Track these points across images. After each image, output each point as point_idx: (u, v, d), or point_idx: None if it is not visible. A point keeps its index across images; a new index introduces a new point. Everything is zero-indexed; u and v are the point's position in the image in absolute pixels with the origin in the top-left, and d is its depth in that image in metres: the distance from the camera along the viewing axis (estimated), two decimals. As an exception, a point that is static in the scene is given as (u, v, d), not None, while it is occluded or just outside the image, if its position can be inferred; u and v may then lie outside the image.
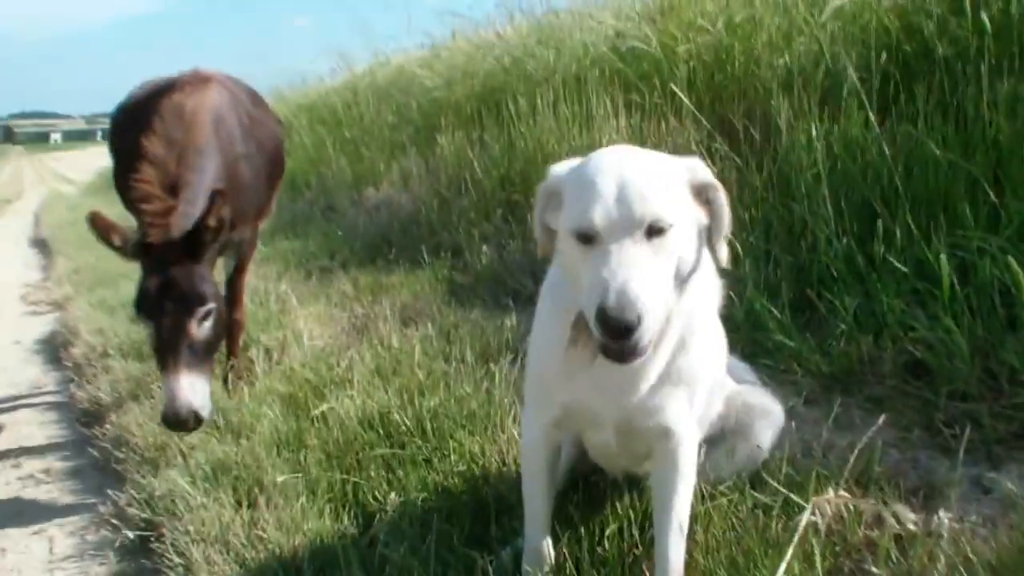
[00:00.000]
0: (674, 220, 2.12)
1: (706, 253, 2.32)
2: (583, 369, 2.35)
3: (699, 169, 2.29)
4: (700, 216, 2.25)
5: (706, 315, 2.49)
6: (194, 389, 3.92)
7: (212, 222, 4.06)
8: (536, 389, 2.71)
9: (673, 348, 2.39)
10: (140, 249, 4.05)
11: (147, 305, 4.01)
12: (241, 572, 3.18)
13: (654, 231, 2.09)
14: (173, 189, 4.21)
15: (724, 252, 2.33)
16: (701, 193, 2.26)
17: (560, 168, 2.35)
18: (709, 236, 2.31)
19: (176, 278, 4.00)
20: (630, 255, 2.06)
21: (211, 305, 4.08)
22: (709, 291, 2.48)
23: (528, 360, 2.74)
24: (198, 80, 4.94)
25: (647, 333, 2.02)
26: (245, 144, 4.96)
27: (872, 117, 4.28)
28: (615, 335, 2.00)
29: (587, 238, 2.10)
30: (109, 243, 4.07)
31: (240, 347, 5.46)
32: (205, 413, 3.96)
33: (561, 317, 2.42)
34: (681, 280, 2.22)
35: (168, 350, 3.96)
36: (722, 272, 2.44)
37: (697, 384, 2.49)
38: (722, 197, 2.27)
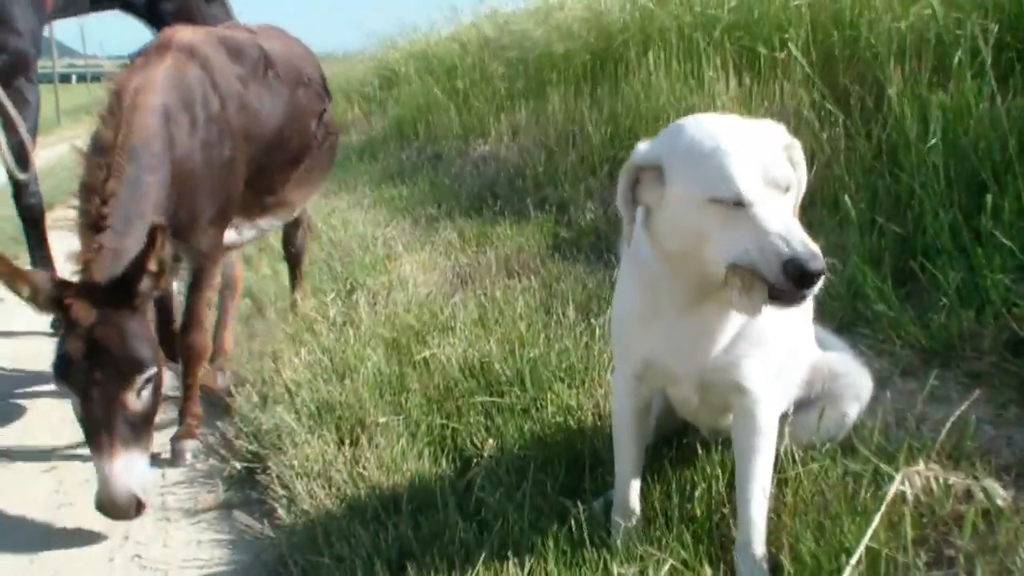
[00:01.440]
0: (794, 181, 2.23)
1: None
2: (660, 327, 2.46)
3: (783, 130, 2.35)
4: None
5: None
6: (132, 470, 3.39)
7: (153, 267, 3.40)
8: (619, 345, 2.80)
9: None
10: (57, 302, 3.41)
11: (71, 373, 3.37)
12: (342, 507, 3.28)
13: (786, 191, 2.19)
14: (100, 214, 3.54)
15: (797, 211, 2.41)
16: (787, 152, 2.32)
17: (648, 145, 2.39)
18: None
19: (107, 338, 3.36)
20: (786, 214, 2.15)
21: (152, 371, 3.46)
22: None
23: (611, 318, 2.82)
24: (154, 50, 4.10)
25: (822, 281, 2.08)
26: (209, 129, 4.05)
27: (994, 87, 4.21)
28: (808, 282, 2.05)
29: (733, 204, 2.15)
30: (18, 294, 3.44)
31: (194, 386, 4.44)
32: (147, 496, 3.46)
33: (639, 279, 2.55)
34: None
35: (100, 428, 3.37)
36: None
37: (770, 344, 2.54)
38: (802, 155, 2.35)
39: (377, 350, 4.58)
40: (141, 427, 3.47)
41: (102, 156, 3.59)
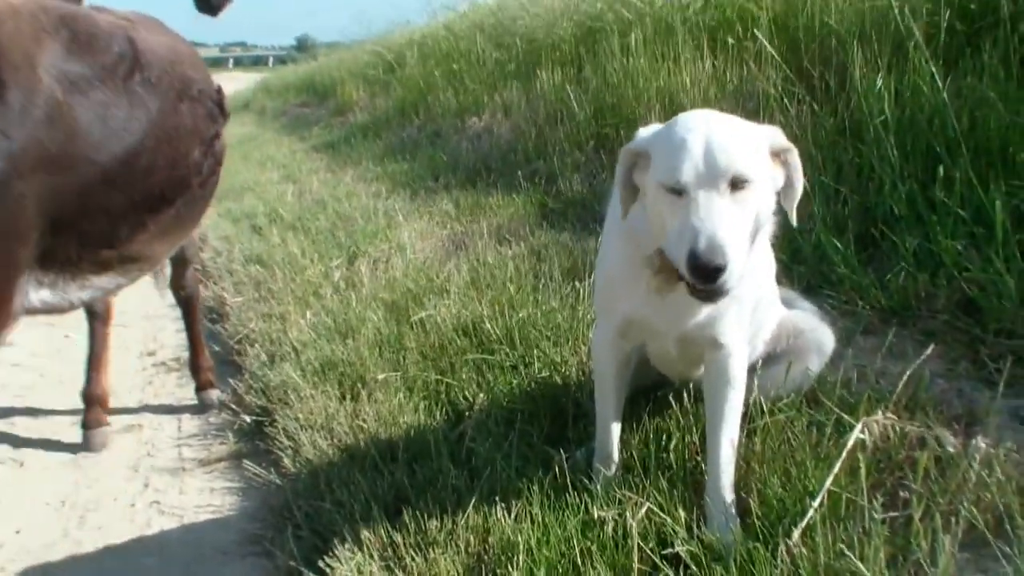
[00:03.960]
0: (754, 176, 2.16)
1: None
2: (644, 287, 2.41)
3: (778, 135, 2.31)
4: (778, 177, 2.29)
5: (759, 242, 2.51)
6: None
7: None
8: (603, 301, 2.79)
9: None
10: None
11: None
12: (343, 456, 3.28)
13: (737, 184, 2.13)
14: None
15: (795, 213, 2.38)
16: (779, 156, 2.29)
17: (646, 131, 2.39)
18: (783, 196, 2.35)
19: None
20: (716, 205, 2.10)
21: None
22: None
23: (596, 276, 2.82)
24: None
25: (732, 276, 2.06)
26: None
27: (936, 72, 4.21)
28: (705, 278, 2.05)
29: (676, 191, 2.15)
30: None
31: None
32: None
33: (628, 243, 2.51)
34: (756, 232, 2.27)
35: None
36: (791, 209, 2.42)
37: (745, 301, 2.53)
38: (797, 159, 2.30)
39: (377, 312, 4.57)
40: None
41: None
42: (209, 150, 3.52)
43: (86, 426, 4.05)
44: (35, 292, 2.96)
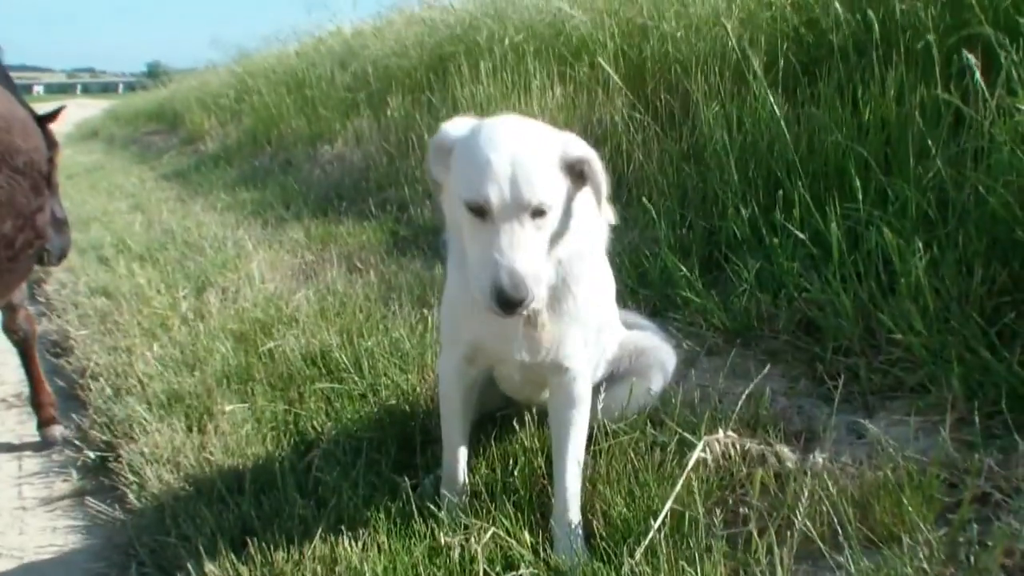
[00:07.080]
0: (554, 203, 2.22)
1: (587, 206, 2.39)
2: (484, 313, 2.38)
3: (572, 145, 2.32)
4: (570, 187, 2.32)
5: (590, 260, 2.55)
6: None
7: None
8: (448, 329, 2.80)
9: (552, 293, 2.45)
10: None
11: None
12: (189, 490, 3.22)
13: (537, 212, 2.18)
14: None
15: (608, 211, 2.46)
16: (575, 166, 2.31)
17: (452, 128, 2.38)
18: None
19: None
20: (518, 236, 2.16)
21: None
22: (592, 237, 2.55)
23: (442, 304, 2.81)
24: None
25: (532, 303, 2.17)
26: None
27: (774, 100, 4.36)
28: (508, 310, 2.13)
29: (479, 212, 2.18)
30: None
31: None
32: None
33: (461, 271, 2.50)
34: (553, 244, 2.31)
35: None
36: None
37: (588, 323, 2.57)
38: (596, 166, 2.31)
39: (225, 343, 4.51)
40: None
41: None
42: (27, 224, 3.37)
43: None
44: None
